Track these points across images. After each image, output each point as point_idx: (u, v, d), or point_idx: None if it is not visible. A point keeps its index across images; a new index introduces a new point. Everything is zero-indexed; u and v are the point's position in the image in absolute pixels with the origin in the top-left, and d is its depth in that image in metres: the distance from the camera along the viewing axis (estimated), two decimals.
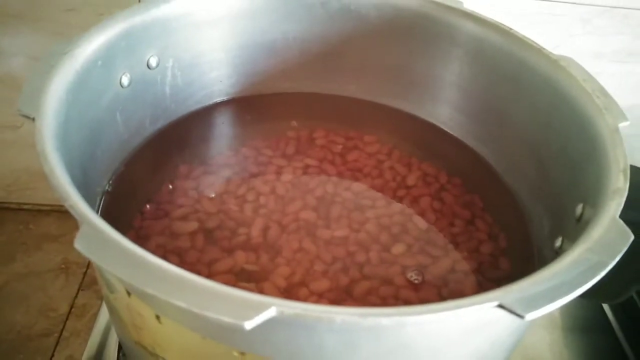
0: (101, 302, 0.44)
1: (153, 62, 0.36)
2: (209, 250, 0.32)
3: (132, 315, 0.25)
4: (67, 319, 0.58)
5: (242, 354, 0.22)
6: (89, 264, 0.63)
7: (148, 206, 0.34)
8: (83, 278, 0.62)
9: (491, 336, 0.24)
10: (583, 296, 0.20)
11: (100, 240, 0.21)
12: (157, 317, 0.24)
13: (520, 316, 0.19)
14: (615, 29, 0.52)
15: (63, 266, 0.63)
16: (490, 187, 0.38)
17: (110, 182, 0.35)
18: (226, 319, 0.18)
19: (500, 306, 0.19)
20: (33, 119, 0.26)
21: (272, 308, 0.19)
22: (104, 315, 0.42)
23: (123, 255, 0.20)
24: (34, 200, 0.67)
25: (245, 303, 0.19)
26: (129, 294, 0.24)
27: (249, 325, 0.18)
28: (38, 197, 0.67)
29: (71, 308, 0.59)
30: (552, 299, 0.20)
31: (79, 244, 0.20)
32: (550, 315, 0.46)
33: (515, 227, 0.36)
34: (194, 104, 0.41)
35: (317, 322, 0.19)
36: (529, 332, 0.45)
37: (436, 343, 0.23)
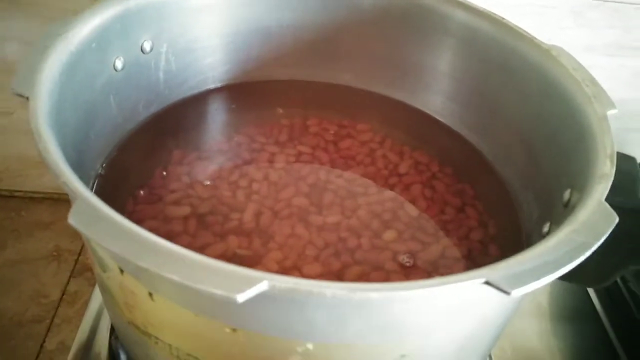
0: (92, 289, 0.44)
1: (147, 46, 0.36)
2: (201, 235, 0.32)
3: (124, 294, 0.26)
4: (58, 305, 0.58)
5: (234, 330, 0.23)
6: (80, 251, 0.63)
7: (141, 191, 0.35)
8: (75, 265, 0.62)
9: (479, 315, 0.25)
10: (570, 280, 0.21)
11: (94, 215, 0.21)
12: (150, 294, 0.24)
13: (507, 292, 0.20)
14: (607, 22, 0.53)
15: (55, 253, 0.63)
16: (481, 175, 0.39)
17: (104, 165, 0.35)
18: (219, 292, 0.19)
19: (487, 283, 0.20)
20: (27, 98, 0.26)
21: (264, 282, 0.19)
22: (95, 302, 0.42)
23: (116, 229, 0.20)
24: (25, 188, 0.67)
25: (238, 277, 0.19)
26: (121, 271, 0.24)
27: (241, 298, 0.18)
28: (30, 184, 0.66)
29: (63, 295, 0.59)
30: (538, 277, 0.20)
31: (72, 219, 0.20)
32: (538, 303, 0.47)
33: (505, 214, 0.36)
34: (187, 90, 0.41)
35: (308, 297, 0.20)
36: (518, 321, 0.45)
37: (425, 321, 0.23)
